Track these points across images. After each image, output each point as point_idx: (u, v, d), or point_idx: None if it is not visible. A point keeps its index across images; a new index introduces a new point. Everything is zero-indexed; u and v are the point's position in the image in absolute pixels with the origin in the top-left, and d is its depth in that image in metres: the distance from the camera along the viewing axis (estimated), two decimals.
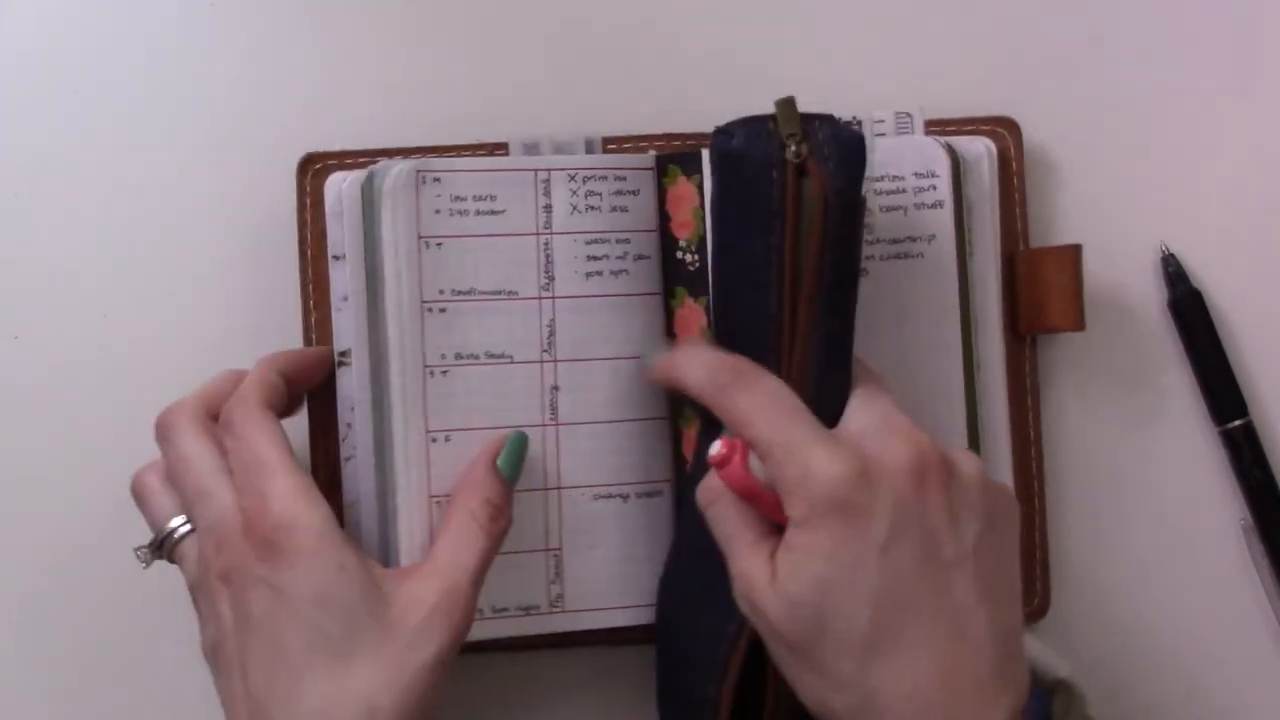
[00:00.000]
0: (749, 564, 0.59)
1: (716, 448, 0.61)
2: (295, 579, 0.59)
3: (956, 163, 0.70)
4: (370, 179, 0.67)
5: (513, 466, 0.66)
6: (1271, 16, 0.77)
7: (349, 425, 0.69)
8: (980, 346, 0.71)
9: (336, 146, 0.72)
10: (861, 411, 0.62)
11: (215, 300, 0.74)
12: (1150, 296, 0.76)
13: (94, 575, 0.74)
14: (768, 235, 0.62)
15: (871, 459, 0.58)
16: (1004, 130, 0.74)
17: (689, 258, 0.71)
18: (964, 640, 0.57)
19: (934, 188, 0.70)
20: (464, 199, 0.68)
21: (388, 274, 0.67)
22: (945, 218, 0.70)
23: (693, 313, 0.71)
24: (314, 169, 0.72)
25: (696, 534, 0.64)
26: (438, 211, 0.67)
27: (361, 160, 0.71)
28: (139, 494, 0.65)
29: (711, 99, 0.72)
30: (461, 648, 0.62)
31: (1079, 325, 0.72)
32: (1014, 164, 0.73)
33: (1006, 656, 0.58)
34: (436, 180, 0.67)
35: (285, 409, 0.67)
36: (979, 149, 0.71)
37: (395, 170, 0.67)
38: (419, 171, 0.67)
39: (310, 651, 0.59)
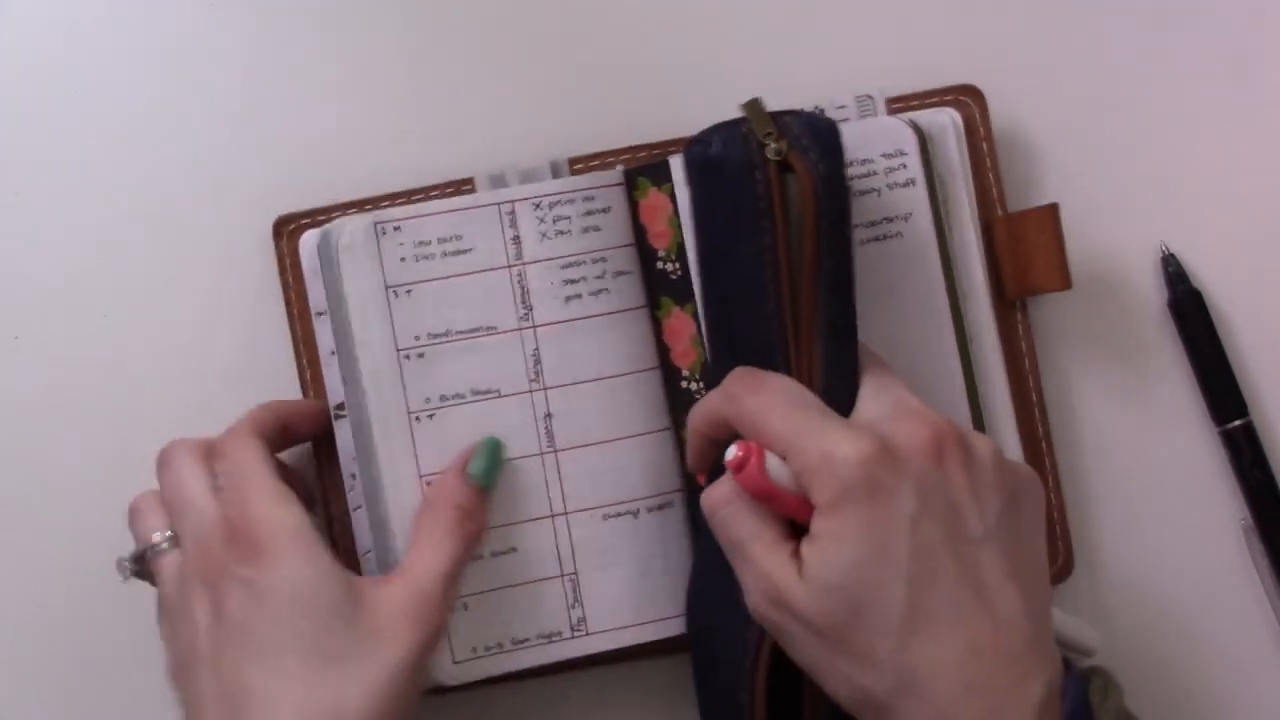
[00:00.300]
0: (771, 563, 0.59)
1: (732, 452, 0.60)
2: (273, 578, 0.60)
3: (923, 139, 0.70)
4: (326, 237, 0.68)
5: (485, 472, 0.66)
6: (1271, 16, 0.77)
7: (353, 476, 0.68)
8: (970, 317, 0.71)
9: (308, 204, 0.73)
10: (874, 398, 0.62)
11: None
12: (1150, 296, 0.76)
13: (94, 577, 0.71)
14: (759, 236, 0.62)
15: (891, 440, 0.58)
16: (968, 99, 0.73)
17: (670, 266, 0.70)
18: (996, 616, 0.57)
19: (904, 166, 0.70)
20: (428, 243, 0.68)
21: (355, 327, 0.67)
22: (919, 194, 0.69)
23: (681, 321, 0.70)
24: (288, 230, 0.72)
25: (710, 544, 0.63)
26: (403, 259, 0.68)
27: (332, 215, 0.71)
28: (131, 513, 0.66)
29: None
30: (433, 664, 0.65)
31: (1065, 284, 0.71)
32: (981, 130, 0.73)
33: (1039, 633, 0.58)
34: (397, 229, 0.68)
35: (277, 444, 0.67)
36: (943, 120, 0.71)
37: (351, 226, 0.67)
38: (376, 224, 0.67)
39: (284, 651, 0.59)
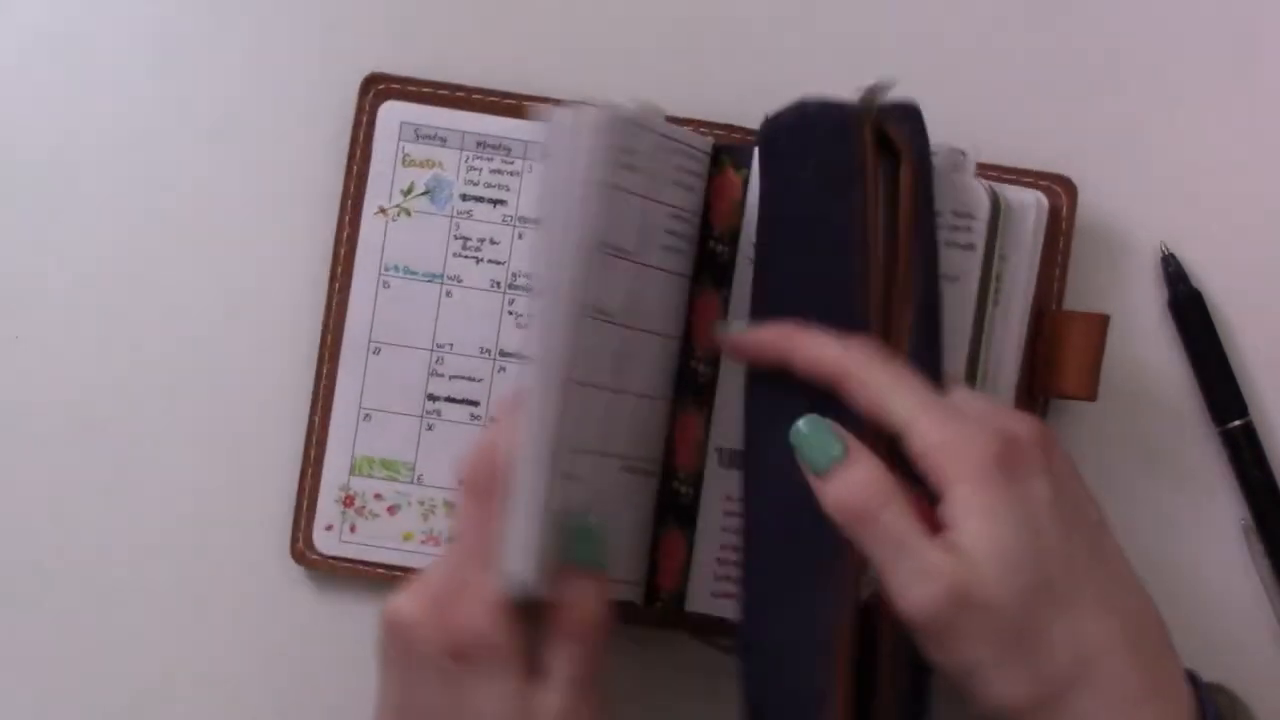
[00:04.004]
0: (936, 554, 0.56)
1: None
2: None
3: (997, 212, 0.69)
4: (590, 114, 0.61)
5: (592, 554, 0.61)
6: (1271, 16, 0.76)
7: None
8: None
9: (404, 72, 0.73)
10: (969, 399, 0.62)
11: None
12: (1150, 296, 0.76)
13: (93, 577, 0.76)
14: (849, 197, 0.61)
15: (1009, 430, 0.58)
16: (1060, 189, 0.72)
17: (720, 249, 0.71)
18: (1139, 600, 0.59)
19: (969, 229, 0.68)
20: (633, 152, 0.65)
21: (576, 211, 0.60)
22: (975, 263, 0.69)
23: (709, 303, 0.71)
24: (376, 89, 0.73)
25: (774, 523, 0.63)
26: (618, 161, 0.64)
27: (424, 90, 0.72)
28: None
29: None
30: None
31: (1091, 395, 0.71)
32: (1064, 223, 0.72)
33: (1163, 620, 0.60)
34: (634, 129, 0.65)
35: None
36: (1028, 199, 0.70)
37: (612, 112, 0.62)
38: (612, 115, 0.62)
39: None
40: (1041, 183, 0.72)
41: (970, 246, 0.69)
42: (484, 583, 0.58)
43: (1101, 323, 0.72)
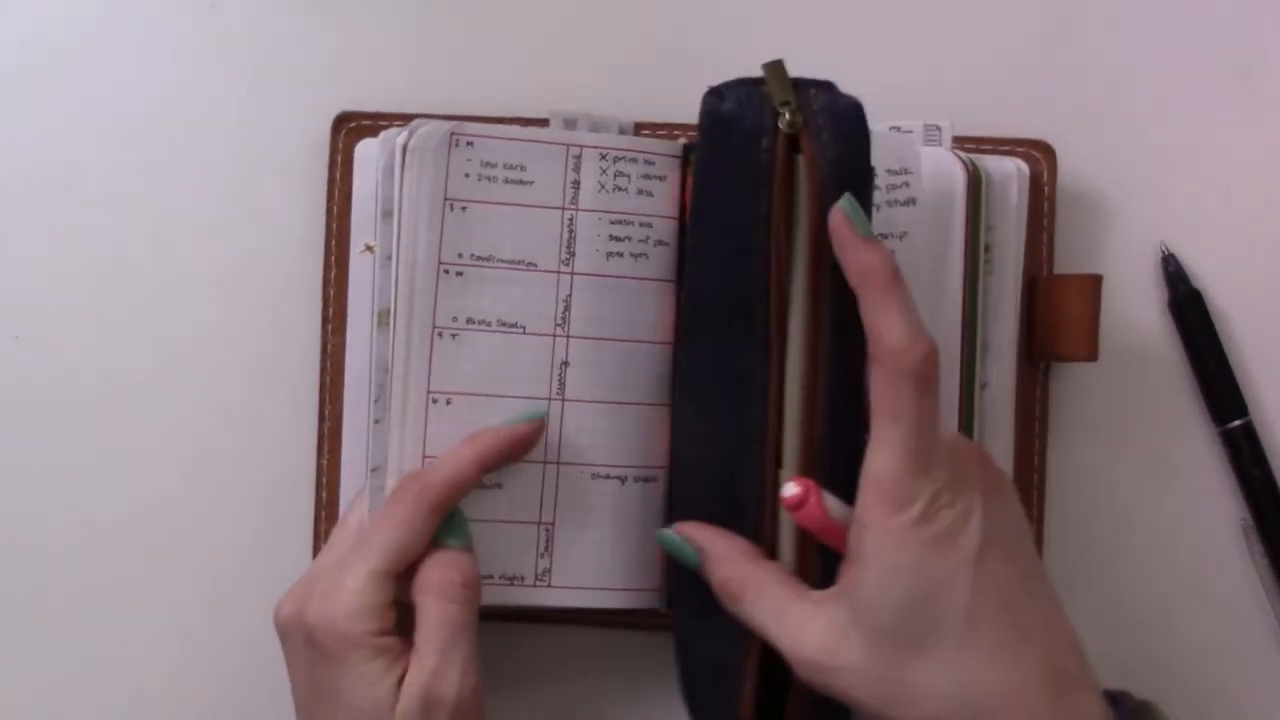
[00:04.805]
0: (802, 628, 0.61)
1: (791, 489, 0.62)
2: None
3: (977, 182, 0.69)
4: (404, 135, 0.67)
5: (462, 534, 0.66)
6: (1272, 16, 0.76)
7: (381, 387, 0.68)
8: (990, 368, 0.71)
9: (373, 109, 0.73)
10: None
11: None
12: (1150, 296, 0.76)
13: (94, 575, 0.76)
14: (756, 203, 0.62)
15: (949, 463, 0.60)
16: (1039, 154, 0.73)
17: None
18: (1057, 638, 0.60)
19: (906, 184, 0.69)
20: (494, 165, 0.68)
21: (404, 231, 0.67)
22: (920, 215, 0.69)
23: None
24: (348, 127, 0.73)
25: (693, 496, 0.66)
26: (467, 175, 0.67)
27: (396, 122, 0.71)
28: None
29: None
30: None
31: (1092, 355, 0.72)
32: (1046, 188, 0.73)
33: (1085, 657, 0.61)
34: (470, 144, 0.67)
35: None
36: (1009, 168, 0.71)
37: (427, 129, 0.67)
38: (453, 134, 0.67)
39: None
40: (1020, 150, 0.73)
41: (910, 202, 0.70)
42: (347, 573, 0.62)
43: (1094, 283, 0.72)
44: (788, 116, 0.61)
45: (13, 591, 0.76)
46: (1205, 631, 0.76)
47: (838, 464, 0.62)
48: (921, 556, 0.58)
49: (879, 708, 0.59)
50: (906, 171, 0.69)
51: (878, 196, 0.68)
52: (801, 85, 0.63)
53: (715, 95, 0.63)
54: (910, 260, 0.68)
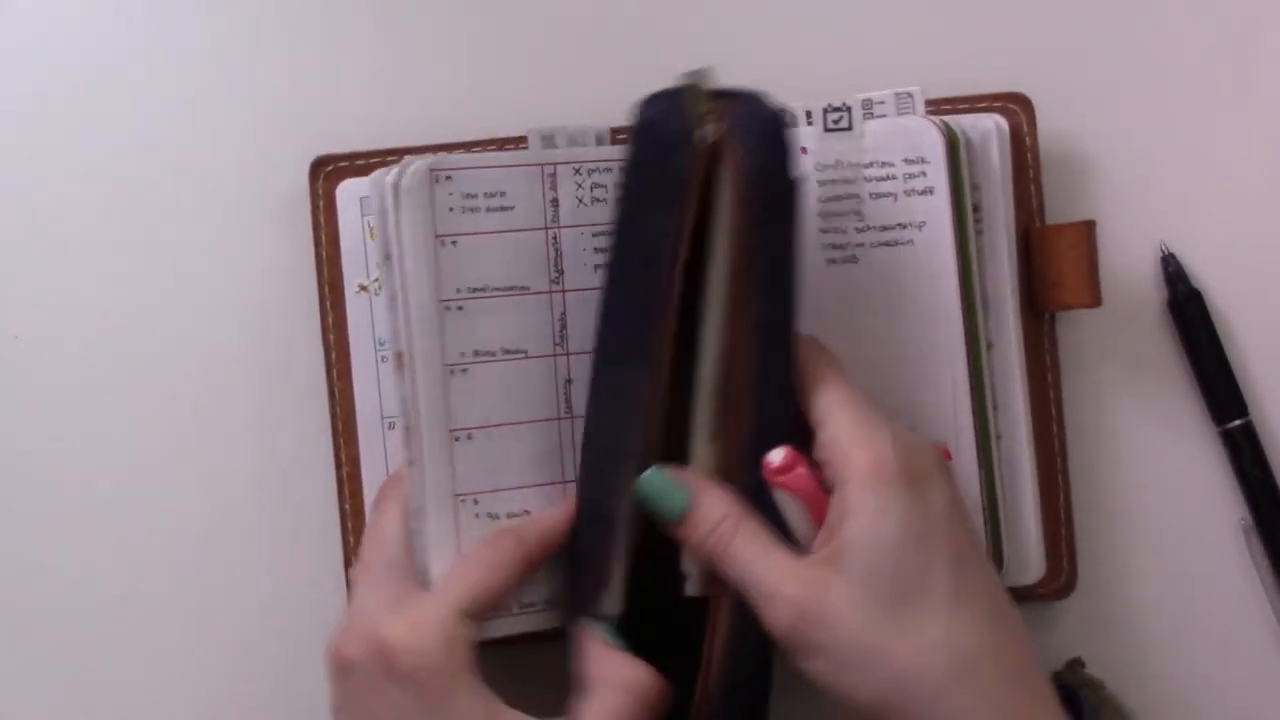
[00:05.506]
0: (788, 577, 0.60)
1: (779, 455, 0.62)
2: None
3: (954, 143, 0.69)
4: (394, 175, 0.67)
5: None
6: (1272, 16, 0.77)
7: (408, 429, 0.67)
8: (992, 326, 0.70)
9: (347, 148, 0.74)
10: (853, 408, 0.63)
11: (228, 308, 0.76)
12: (1150, 296, 0.76)
13: (94, 575, 0.75)
14: (669, 215, 0.62)
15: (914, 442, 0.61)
16: (1016, 107, 0.73)
17: None
18: (1013, 620, 0.61)
19: (924, 174, 0.69)
20: (475, 196, 0.68)
21: (404, 272, 0.66)
22: (938, 203, 0.69)
23: None
24: (325, 171, 0.74)
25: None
26: (450, 209, 0.67)
27: (373, 160, 0.72)
28: None
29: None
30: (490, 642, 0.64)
31: (1094, 301, 0.72)
32: (1027, 140, 0.73)
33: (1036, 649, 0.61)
34: (449, 178, 0.67)
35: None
36: (987, 125, 0.71)
37: (411, 168, 0.67)
38: (432, 170, 0.67)
39: None
40: (996, 105, 0.73)
41: (929, 191, 0.69)
42: (428, 608, 0.62)
43: (1087, 229, 0.72)
44: (704, 128, 0.62)
45: (15, 592, 0.75)
46: (1205, 631, 0.75)
47: (756, 472, 0.63)
48: (905, 499, 0.58)
49: (859, 659, 0.58)
50: (924, 160, 0.69)
51: (895, 186, 0.69)
52: (726, 95, 0.63)
53: (644, 103, 0.63)
54: (932, 250, 0.69)
